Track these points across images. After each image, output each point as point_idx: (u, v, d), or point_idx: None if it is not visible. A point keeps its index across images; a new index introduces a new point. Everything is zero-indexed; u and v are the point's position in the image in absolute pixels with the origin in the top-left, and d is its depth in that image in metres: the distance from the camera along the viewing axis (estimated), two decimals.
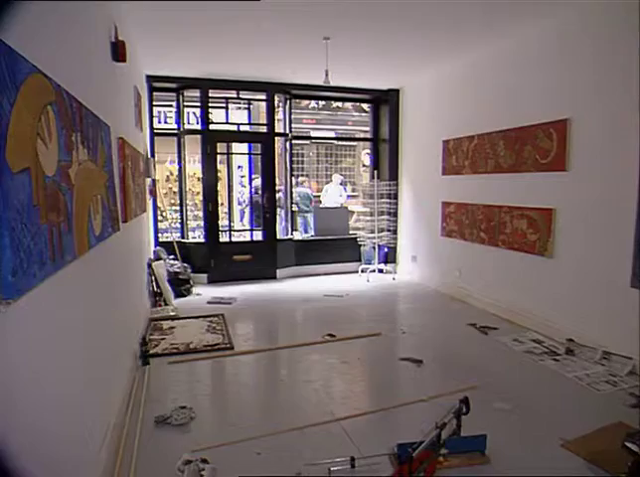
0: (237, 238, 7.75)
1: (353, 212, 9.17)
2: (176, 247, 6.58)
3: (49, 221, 1.56)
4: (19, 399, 1.31)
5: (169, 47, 5.20)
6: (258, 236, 7.42)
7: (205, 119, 6.87)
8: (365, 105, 9.22)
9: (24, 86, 1.36)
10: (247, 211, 7.70)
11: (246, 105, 8.36)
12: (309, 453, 2.51)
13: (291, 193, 7.71)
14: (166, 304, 5.54)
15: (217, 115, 7.40)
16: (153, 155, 6.58)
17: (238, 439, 2.65)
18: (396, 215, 7.53)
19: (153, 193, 6.30)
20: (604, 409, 3.01)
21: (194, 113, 8.04)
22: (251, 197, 7.43)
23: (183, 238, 7.13)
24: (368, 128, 8.40)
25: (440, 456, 2.40)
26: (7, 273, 1.20)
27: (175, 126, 7.29)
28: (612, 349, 3.73)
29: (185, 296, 6.11)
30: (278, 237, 7.33)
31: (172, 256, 6.45)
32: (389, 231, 7.41)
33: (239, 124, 7.61)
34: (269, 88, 6.99)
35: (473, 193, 5.57)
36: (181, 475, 2.30)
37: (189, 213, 7.66)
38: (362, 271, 7.40)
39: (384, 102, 7.68)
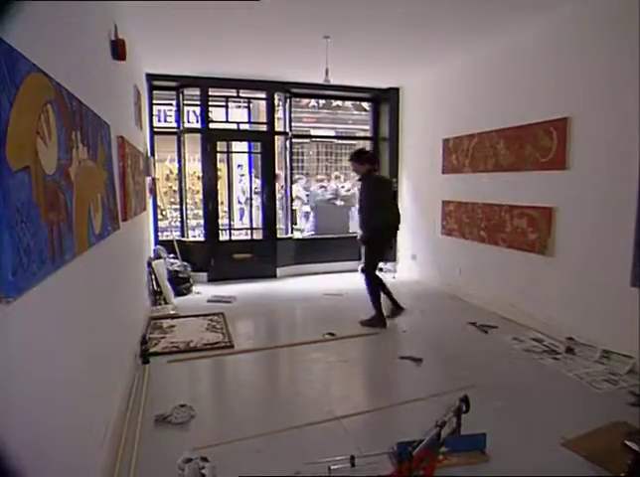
0: (237, 236, 7.74)
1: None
2: (176, 246, 6.59)
3: (49, 219, 1.56)
4: (18, 398, 1.31)
5: (169, 45, 5.19)
6: (258, 234, 7.41)
7: (205, 118, 6.87)
8: (365, 104, 9.22)
9: (24, 85, 1.35)
10: (259, 209, 7.66)
11: (246, 104, 8.35)
12: (309, 452, 2.51)
13: (291, 191, 7.71)
14: (166, 303, 5.54)
15: (216, 114, 7.39)
16: (153, 154, 6.58)
17: (237, 438, 2.65)
18: None
19: (153, 191, 6.30)
20: (604, 408, 3.01)
21: (194, 112, 8.03)
22: (263, 196, 7.32)
23: (183, 236, 7.13)
24: (368, 127, 8.40)
25: (440, 455, 2.40)
26: (7, 272, 1.20)
27: (175, 125, 7.28)
28: (612, 348, 3.73)
29: (185, 295, 6.11)
30: (278, 235, 7.34)
31: (172, 255, 6.45)
32: None
33: (238, 123, 7.60)
34: (269, 87, 6.99)
35: (473, 191, 5.57)
36: (181, 473, 2.30)
37: (189, 211, 7.66)
38: (362, 270, 7.38)
39: (384, 101, 7.68)
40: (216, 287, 6.49)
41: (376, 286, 4.85)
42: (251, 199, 7.81)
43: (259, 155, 7.42)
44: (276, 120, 7.27)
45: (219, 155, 7.15)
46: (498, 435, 2.57)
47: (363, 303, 5.90)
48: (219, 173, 7.38)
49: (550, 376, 3.57)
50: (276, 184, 7.32)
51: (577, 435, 2.65)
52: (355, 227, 8.08)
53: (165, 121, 8.78)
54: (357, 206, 4.78)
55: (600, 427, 2.73)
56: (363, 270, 4.97)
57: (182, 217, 7.24)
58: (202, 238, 7.26)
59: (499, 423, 2.80)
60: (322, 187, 9.73)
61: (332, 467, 2.35)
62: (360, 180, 4.71)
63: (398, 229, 4.88)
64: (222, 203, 7.52)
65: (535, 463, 2.43)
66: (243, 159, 9.20)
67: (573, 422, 2.80)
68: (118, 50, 3.34)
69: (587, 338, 3.97)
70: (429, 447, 2.28)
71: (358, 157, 4.71)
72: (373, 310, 4.83)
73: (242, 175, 10.12)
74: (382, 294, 4.90)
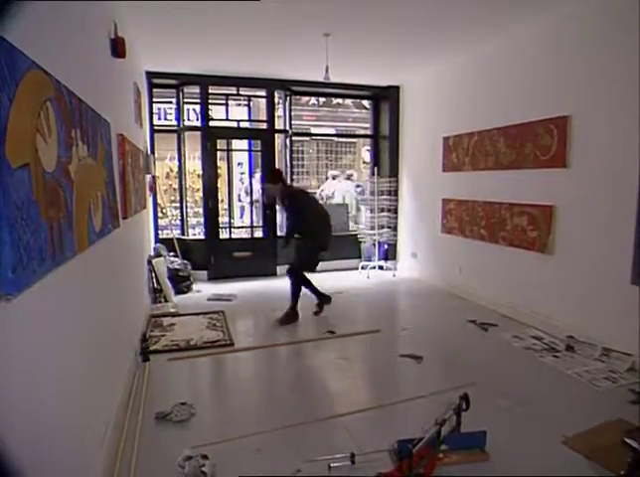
0: (237, 234, 7.74)
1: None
2: (176, 244, 6.59)
3: (49, 217, 1.56)
4: (18, 395, 1.31)
5: (169, 43, 5.18)
6: (259, 232, 7.41)
7: (205, 116, 6.86)
8: (365, 102, 9.20)
9: (23, 82, 1.35)
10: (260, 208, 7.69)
11: (246, 102, 8.35)
12: (309, 449, 2.52)
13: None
14: (166, 301, 5.55)
15: (216, 112, 7.39)
16: (153, 152, 6.57)
17: (238, 436, 2.65)
18: (396, 211, 7.52)
19: (153, 189, 6.30)
20: (604, 406, 3.01)
21: (194, 110, 8.03)
22: (263, 194, 7.30)
23: (183, 234, 7.13)
24: (368, 125, 8.39)
25: (440, 452, 2.40)
26: (7, 269, 1.20)
27: (175, 123, 7.28)
28: (612, 345, 3.73)
29: (185, 293, 6.12)
30: (278, 233, 7.33)
31: (172, 253, 6.45)
32: (389, 227, 7.41)
33: (238, 121, 7.59)
34: (269, 85, 6.98)
35: (473, 190, 5.56)
36: (181, 471, 2.30)
37: (189, 209, 7.66)
38: (362, 268, 7.40)
39: (384, 99, 7.67)
40: (216, 285, 6.49)
41: (300, 288, 4.98)
42: (252, 198, 7.80)
43: (259, 153, 7.42)
44: (276, 118, 7.27)
45: (219, 153, 7.14)
46: (498, 433, 2.57)
47: (363, 301, 5.92)
48: (219, 171, 7.38)
49: (549, 374, 3.57)
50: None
51: (577, 433, 2.65)
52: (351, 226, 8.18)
53: (165, 119, 8.78)
54: (290, 222, 4.93)
55: (600, 425, 2.74)
56: (292, 270, 5.02)
57: (182, 215, 7.24)
58: (202, 237, 7.26)
59: (499, 421, 2.80)
60: (358, 186, 9.59)
61: (332, 465, 2.35)
62: (283, 198, 4.81)
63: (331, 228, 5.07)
64: (222, 201, 7.52)
65: (534, 461, 2.44)
66: (244, 157, 9.19)
67: (573, 420, 2.81)
68: (118, 48, 3.34)
69: (587, 336, 3.97)
70: (429, 445, 2.28)
71: (273, 178, 4.84)
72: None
73: (243, 173, 10.12)
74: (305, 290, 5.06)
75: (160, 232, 7.13)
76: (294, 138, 7.98)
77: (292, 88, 7.31)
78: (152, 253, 6.04)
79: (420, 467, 2.25)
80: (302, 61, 5.88)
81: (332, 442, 2.61)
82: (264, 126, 7.29)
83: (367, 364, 4.04)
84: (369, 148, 8.76)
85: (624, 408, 2.94)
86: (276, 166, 5.18)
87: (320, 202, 5.16)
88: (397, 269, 7.51)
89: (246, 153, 8.42)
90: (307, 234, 4.87)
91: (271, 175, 4.91)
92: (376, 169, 7.52)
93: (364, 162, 12.47)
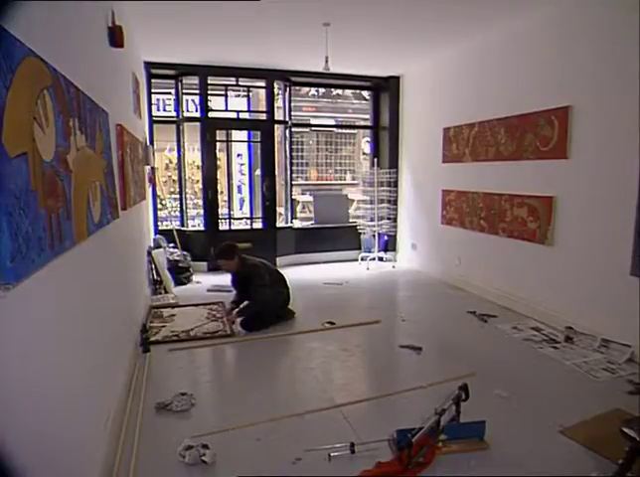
0: (236, 226, 7.74)
1: (353, 200, 9.19)
2: (176, 236, 6.59)
3: (47, 206, 1.55)
4: (18, 386, 1.31)
5: (168, 33, 5.14)
6: (258, 224, 7.41)
7: (204, 107, 6.82)
8: (365, 93, 9.16)
9: (20, 70, 1.33)
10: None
11: (246, 93, 8.30)
12: (309, 439, 2.53)
13: (291, 180, 7.69)
14: (166, 292, 5.55)
15: (216, 103, 7.35)
16: (152, 143, 6.54)
17: (238, 425, 2.67)
18: (396, 203, 7.51)
19: (152, 181, 6.28)
20: (602, 397, 3.03)
21: (193, 101, 7.99)
22: (262, 185, 7.11)
23: (182, 226, 7.13)
24: (368, 116, 8.36)
25: (439, 442, 2.42)
26: (6, 258, 1.20)
27: (174, 114, 7.24)
28: (611, 337, 3.74)
29: (185, 284, 6.13)
30: (278, 224, 7.33)
31: (172, 244, 6.45)
32: (389, 219, 7.40)
33: (238, 112, 7.55)
34: (269, 75, 6.94)
35: (473, 181, 5.55)
36: (182, 460, 2.32)
37: (188, 201, 7.64)
38: (362, 259, 7.41)
39: (384, 90, 7.62)
40: (215, 276, 6.48)
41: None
42: (252, 189, 7.78)
43: (259, 144, 7.39)
44: (276, 109, 7.23)
45: (218, 144, 7.11)
46: (497, 423, 2.59)
47: (363, 292, 5.93)
48: (218, 162, 7.35)
49: (549, 364, 3.59)
50: None
51: (575, 423, 2.67)
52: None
53: (164, 110, 8.74)
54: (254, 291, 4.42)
55: (598, 415, 2.75)
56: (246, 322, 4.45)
57: (181, 206, 7.23)
58: (202, 228, 7.25)
59: (498, 411, 2.81)
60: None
61: (332, 454, 2.37)
62: (238, 271, 4.55)
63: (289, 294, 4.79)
64: (221, 192, 7.50)
65: (533, 450, 2.45)
66: (243, 149, 9.17)
67: (572, 411, 2.82)
68: (116, 37, 3.30)
69: (586, 327, 3.98)
70: (429, 434, 2.30)
71: (228, 254, 4.51)
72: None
73: (242, 164, 10.10)
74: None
75: (160, 223, 7.13)
76: (294, 129, 7.95)
77: (292, 79, 7.26)
78: (152, 245, 6.04)
79: (420, 456, 2.27)
80: (302, 51, 5.84)
81: (332, 432, 2.62)
82: (264, 117, 7.26)
83: (366, 354, 4.05)
84: (368, 139, 8.73)
85: (622, 399, 2.96)
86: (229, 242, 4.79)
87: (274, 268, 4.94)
88: (396, 261, 7.51)
89: (246, 144, 8.38)
90: (262, 301, 4.45)
91: (226, 251, 4.53)
92: (375, 160, 7.49)
93: (363, 153, 12.45)
